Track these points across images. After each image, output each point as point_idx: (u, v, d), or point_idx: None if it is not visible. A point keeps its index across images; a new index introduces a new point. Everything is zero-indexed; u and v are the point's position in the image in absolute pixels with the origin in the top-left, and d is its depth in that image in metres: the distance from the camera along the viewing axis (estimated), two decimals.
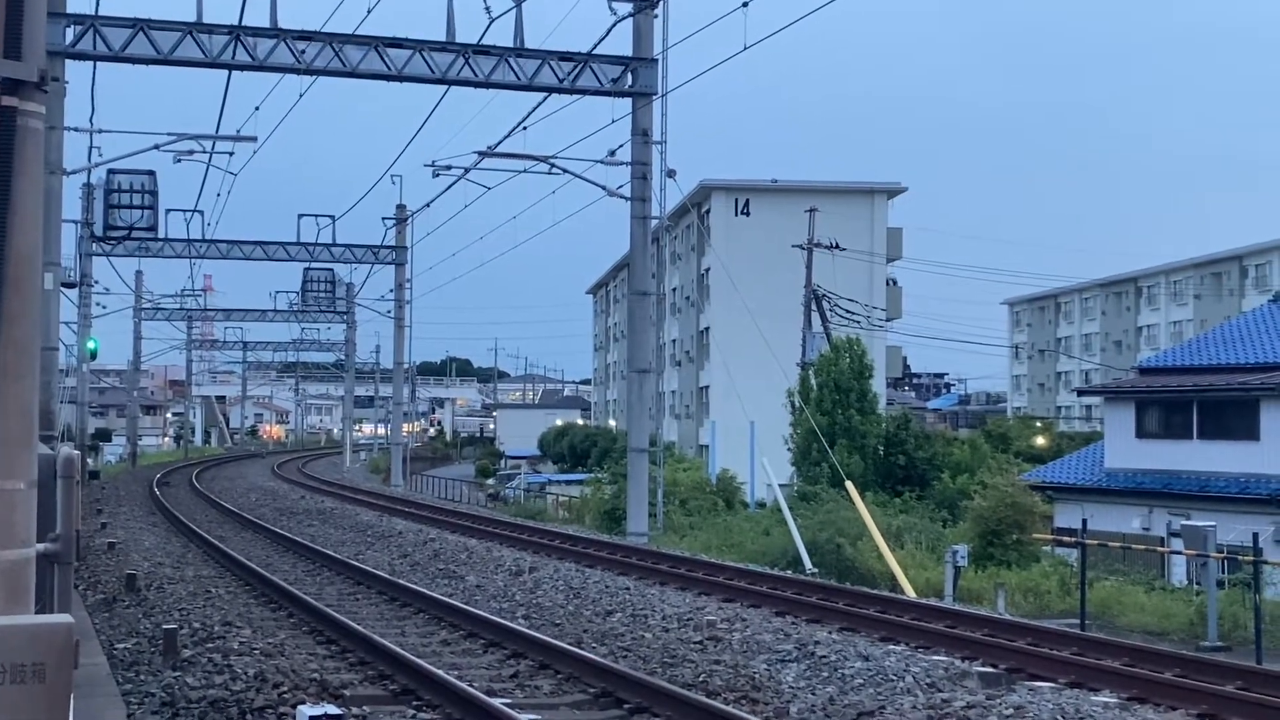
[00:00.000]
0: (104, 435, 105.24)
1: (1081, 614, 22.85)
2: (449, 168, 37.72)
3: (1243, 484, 34.12)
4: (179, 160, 35.53)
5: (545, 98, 32.74)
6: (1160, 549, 29.97)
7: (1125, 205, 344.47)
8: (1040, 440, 69.81)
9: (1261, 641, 20.14)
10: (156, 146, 34.76)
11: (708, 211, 69.90)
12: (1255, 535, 22.45)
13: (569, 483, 61.75)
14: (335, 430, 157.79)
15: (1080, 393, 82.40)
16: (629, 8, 31.38)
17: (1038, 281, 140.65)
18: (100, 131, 35.96)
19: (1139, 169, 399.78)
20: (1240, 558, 24.21)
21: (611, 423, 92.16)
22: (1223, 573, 25.16)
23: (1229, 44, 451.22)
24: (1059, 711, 12.15)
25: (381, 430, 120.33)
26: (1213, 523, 24.88)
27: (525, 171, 36.13)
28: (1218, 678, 14.04)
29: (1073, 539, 26.72)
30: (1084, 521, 26.72)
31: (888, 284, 70.24)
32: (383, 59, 30.38)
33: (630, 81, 32.18)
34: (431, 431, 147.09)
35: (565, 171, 35.20)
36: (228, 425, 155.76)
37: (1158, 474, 36.71)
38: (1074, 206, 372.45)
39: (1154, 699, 13.12)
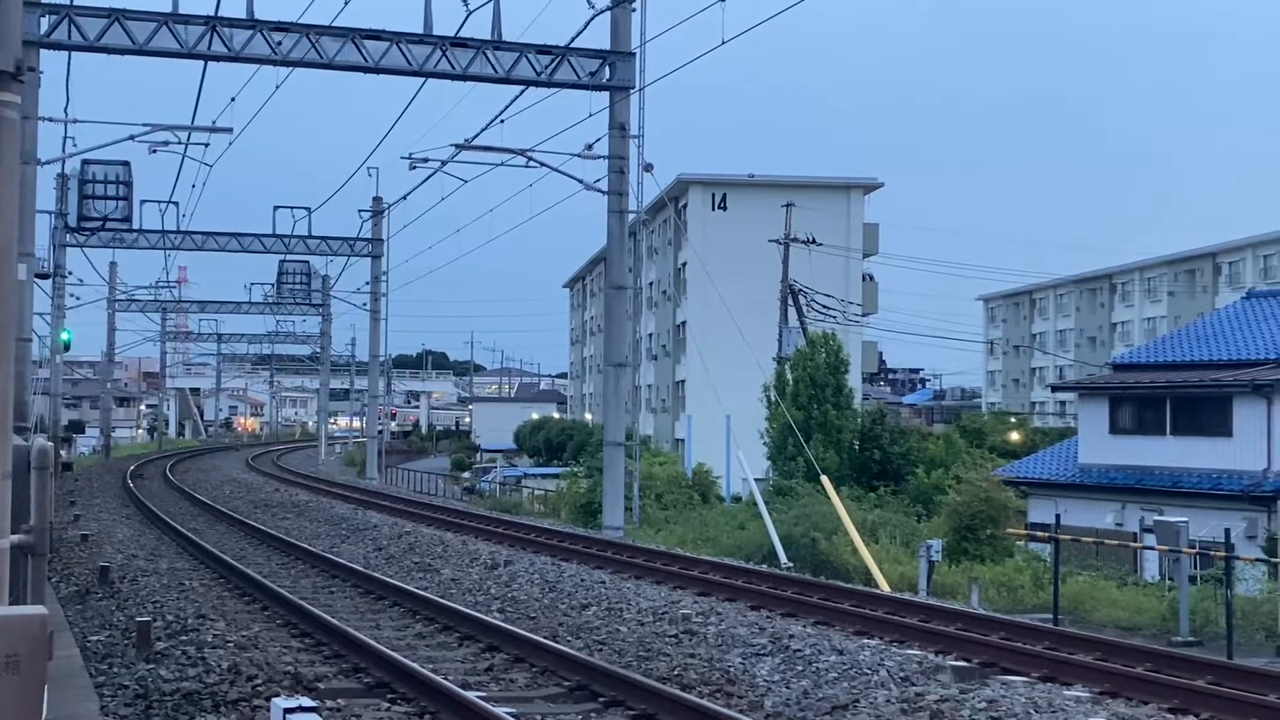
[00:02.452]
0: (77, 427, 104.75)
1: (1054, 609, 22.95)
2: (426, 160, 37.63)
3: (1215, 480, 34.31)
4: (154, 151, 35.37)
5: (522, 91, 32.69)
6: (1133, 544, 30.11)
7: (1100, 202, 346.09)
8: (1014, 436, 70.07)
9: (1233, 637, 20.24)
10: (131, 137, 34.62)
11: (685, 206, 69.90)
12: (1227, 531, 22.56)
13: (545, 476, 61.71)
14: (310, 423, 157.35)
15: (1054, 389, 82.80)
16: (607, 1, 31.33)
17: (1013, 277, 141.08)
18: (75, 122, 35.73)
19: (1115, 166, 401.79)
20: (1212, 553, 24.35)
21: (588, 416, 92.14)
22: (1195, 568, 25.29)
23: (1207, 42, 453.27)
24: (1031, 705, 12.21)
25: (356, 423, 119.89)
26: (1185, 518, 24.99)
27: (502, 165, 36.09)
28: (1189, 672, 14.12)
29: (1046, 534, 26.81)
30: (1057, 517, 26.85)
31: (864, 279, 70.33)
32: (360, 51, 30.29)
33: (608, 75, 32.16)
34: (393, 427, 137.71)
35: (542, 165, 35.18)
36: (202, 418, 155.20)
37: (1131, 470, 36.89)
38: (1049, 203, 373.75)
39: (1126, 693, 13.18)
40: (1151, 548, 26.48)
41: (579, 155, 33.95)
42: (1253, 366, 35.68)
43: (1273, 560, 25.08)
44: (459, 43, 30.73)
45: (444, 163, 37.19)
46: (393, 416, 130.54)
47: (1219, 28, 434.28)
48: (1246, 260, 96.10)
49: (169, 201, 49.06)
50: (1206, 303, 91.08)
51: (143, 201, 46.80)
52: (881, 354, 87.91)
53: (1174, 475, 35.51)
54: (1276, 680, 13.80)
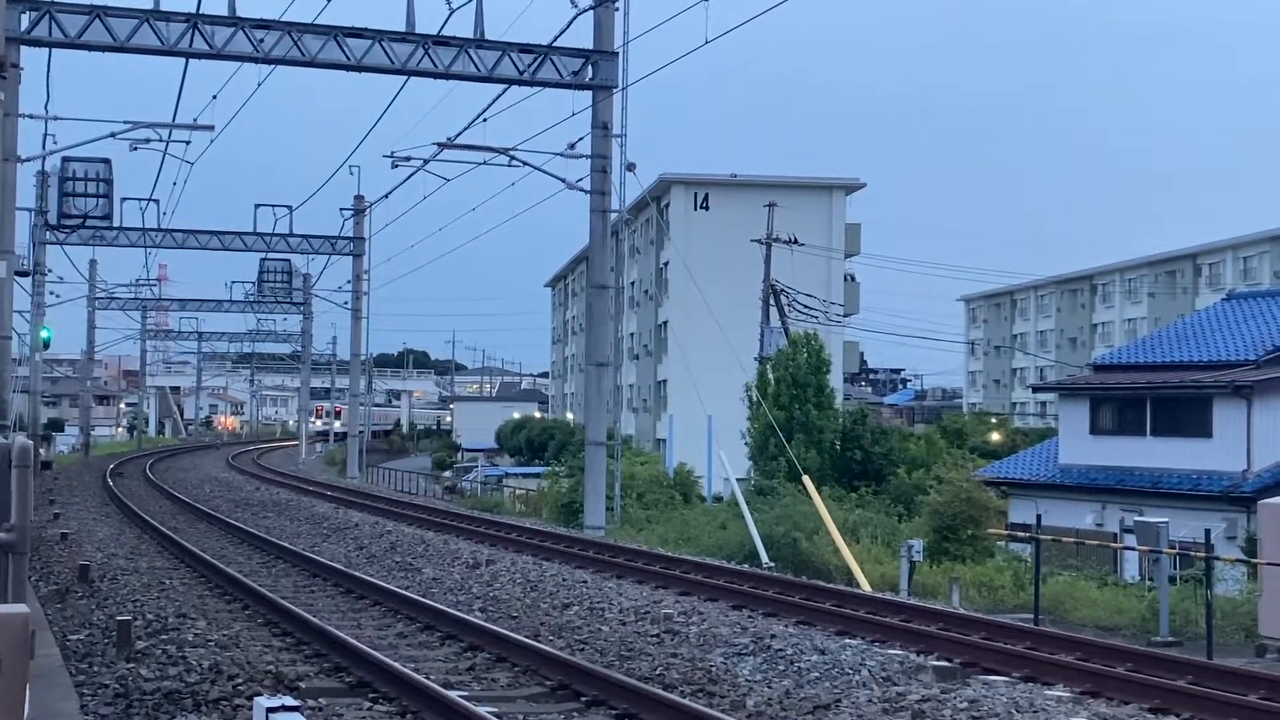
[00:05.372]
0: (57, 425, 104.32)
1: (1035, 609, 22.98)
2: (408, 159, 37.57)
3: (1195, 480, 34.42)
4: (135, 148, 35.24)
5: (505, 89, 32.68)
6: (1113, 544, 30.17)
7: (1081, 202, 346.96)
8: (995, 436, 70.21)
9: (1212, 637, 20.28)
10: (112, 134, 34.49)
11: (667, 205, 69.91)
12: (1207, 531, 22.61)
13: (526, 476, 61.66)
14: (291, 422, 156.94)
15: (1035, 389, 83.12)
16: (589, 0, 31.34)
17: (994, 278, 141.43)
18: (55, 119, 35.71)
19: (1096, 166, 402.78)
20: (1192, 554, 24.41)
21: (569, 416, 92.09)
22: (1175, 568, 25.36)
23: (1189, 43, 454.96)
24: (1013, 705, 12.23)
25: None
26: (1165, 519, 25.06)
27: (485, 163, 36.07)
28: (1169, 672, 14.16)
29: (1027, 534, 26.85)
30: (1038, 517, 26.85)
31: (845, 279, 70.45)
32: (342, 49, 30.24)
33: (591, 74, 32.15)
34: (337, 426, 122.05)
35: (525, 164, 35.16)
36: (182, 416, 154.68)
37: (1111, 470, 36.98)
38: (1030, 203, 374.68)
39: (1106, 693, 13.22)
40: (1132, 548, 26.54)
41: (562, 154, 33.95)
42: (1233, 368, 35.81)
43: (1252, 561, 25.16)
44: (441, 41, 30.71)
45: (426, 161, 37.16)
46: (337, 414, 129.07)
47: (1202, 28, 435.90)
48: (1227, 261, 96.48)
49: (150, 199, 48.91)
50: (1187, 304, 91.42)
51: (123, 199, 46.59)
52: (863, 354, 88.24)
53: (1154, 476, 35.62)
54: (1256, 680, 13.86)
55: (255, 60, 30.07)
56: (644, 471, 47.88)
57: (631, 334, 79.74)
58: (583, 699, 12.32)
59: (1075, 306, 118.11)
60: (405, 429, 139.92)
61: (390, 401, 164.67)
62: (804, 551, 31.73)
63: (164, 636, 15.16)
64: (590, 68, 32.13)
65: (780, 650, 14.77)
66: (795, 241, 57.10)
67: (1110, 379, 39.52)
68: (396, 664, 12.92)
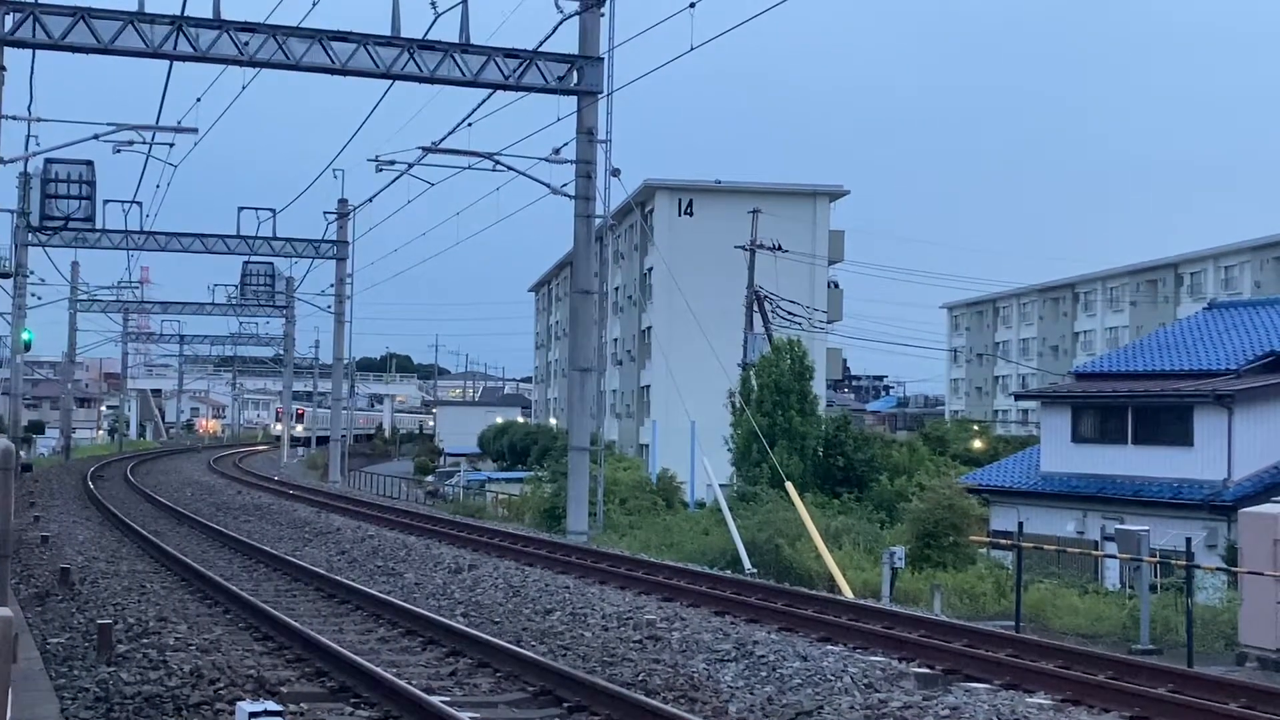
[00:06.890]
0: (37, 428, 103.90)
1: (1016, 616, 23.04)
2: (392, 163, 37.55)
3: (1176, 489, 34.53)
4: (118, 151, 35.13)
5: (490, 94, 32.62)
6: (1094, 552, 30.28)
7: (1064, 211, 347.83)
8: (977, 443, 70.34)
9: (1193, 645, 20.38)
10: (96, 136, 34.39)
11: (651, 211, 69.94)
12: (1188, 540, 22.72)
13: (509, 481, 61.60)
14: (272, 425, 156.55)
15: (1017, 397, 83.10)
16: (575, 6, 31.36)
17: (976, 286, 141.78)
18: (38, 120, 35.55)
19: (1079, 174, 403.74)
20: (1173, 562, 24.51)
21: (552, 421, 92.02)
22: (1155, 576, 25.45)
23: (1177, 50, 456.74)
24: (994, 713, 12.26)
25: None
26: (1146, 527, 25.15)
27: (469, 168, 36.05)
28: (1150, 680, 14.20)
29: (1009, 542, 26.93)
30: (1020, 524, 26.94)
31: (829, 286, 70.55)
32: (327, 52, 30.16)
33: (576, 80, 32.13)
34: (299, 430, 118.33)
35: (509, 169, 35.15)
36: (163, 419, 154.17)
37: (1093, 478, 37.09)
38: (1014, 211, 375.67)
39: (1087, 701, 13.26)
40: (1113, 556, 26.63)
41: (546, 159, 33.96)
42: (1214, 377, 35.96)
43: (1232, 569, 25.26)
44: (427, 45, 30.65)
45: (411, 165, 37.14)
46: (299, 417, 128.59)
47: (1192, 32, 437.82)
48: (1208, 271, 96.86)
49: (132, 201, 48.68)
50: (1168, 313, 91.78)
51: (106, 201, 46.42)
52: (846, 361, 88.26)
53: (1135, 484, 35.73)
54: (1236, 688, 13.92)
55: (240, 63, 29.97)
56: (627, 477, 47.88)
57: (615, 339, 79.74)
58: (565, 705, 12.31)
59: (1057, 314, 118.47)
60: (388, 433, 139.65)
61: (373, 405, 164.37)
62: (786, 558, 31.76)
63: (145, 640, 15.11)
64: (575, 73, 32.13)
65: (762, 656, 14.78)
66: (779, 248, 57.21)
67: (1092, 387, 39.64)
68: (378, 669, 12.89)
